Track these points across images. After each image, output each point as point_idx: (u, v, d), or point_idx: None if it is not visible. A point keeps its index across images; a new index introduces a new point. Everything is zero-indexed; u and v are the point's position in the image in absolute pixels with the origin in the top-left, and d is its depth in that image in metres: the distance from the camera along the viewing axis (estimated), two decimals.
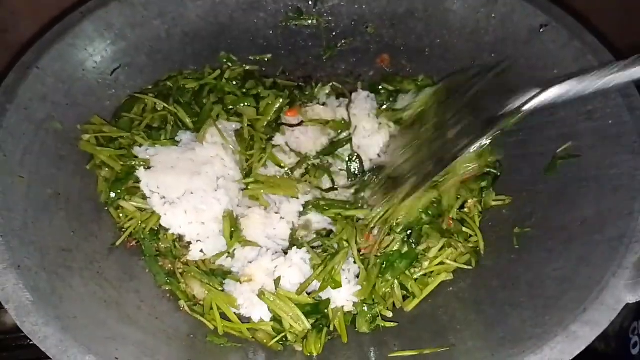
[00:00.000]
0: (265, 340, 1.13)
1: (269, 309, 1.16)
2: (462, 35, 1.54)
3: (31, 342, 1.35)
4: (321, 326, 1.13)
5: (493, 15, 1.48)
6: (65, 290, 1.02)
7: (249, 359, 1.08)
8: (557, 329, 0.93)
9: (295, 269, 1.17)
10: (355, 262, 1.21)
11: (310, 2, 1.62)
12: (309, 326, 1.12)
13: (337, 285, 1.16)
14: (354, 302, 1.18)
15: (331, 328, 1.16)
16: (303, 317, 1.13)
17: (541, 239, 1.18)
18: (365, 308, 1.16)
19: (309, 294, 1.19)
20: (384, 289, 1.20)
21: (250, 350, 1.11)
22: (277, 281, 1.16)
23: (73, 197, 1.23)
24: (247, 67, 1.62)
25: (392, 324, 1.16)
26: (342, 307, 1.17)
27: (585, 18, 1.37)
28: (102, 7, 1.40)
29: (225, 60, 1.61)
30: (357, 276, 1.21)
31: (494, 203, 1.34)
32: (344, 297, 1.17)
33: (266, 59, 1.65)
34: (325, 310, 1.16)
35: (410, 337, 1.12)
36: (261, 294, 1.14)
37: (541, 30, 1.39)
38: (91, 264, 1.12)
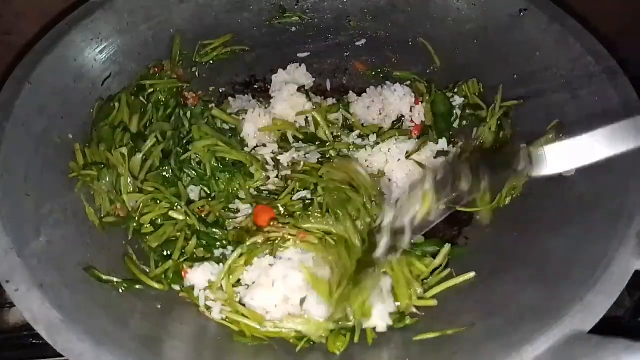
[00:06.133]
0: (291, 340, 1.13)
1: None
2: (444, 25, 1.58)
3: (34, 342, 1.33)
4: (343, 331, 1.12)
5: (473, 4, 1.53)
6: (90, 305, 1.02)
7: (277, 356, 1.10)
8: (573, 301, 0.94)
9: None
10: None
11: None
12: (327, 332, 1.12)
13: (367, 315, 1.12)
14: (387, 324, 1.15)
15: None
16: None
17: (540, 217, 1.23)
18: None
19: None
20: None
21: (278, 347, 1.12)
22: (302, 301, 1.13)
23: (80, 210, 1.22)
24: None
25: (414, 320, 1.16)
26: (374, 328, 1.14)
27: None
28: (88, 16, 1.38)
29: None
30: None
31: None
32: (378, 317, 1.14)
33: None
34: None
35: (430, 320, 1.15)
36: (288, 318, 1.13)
37: (521, 14, 1.44)
38: (108, 275, 1.12)
